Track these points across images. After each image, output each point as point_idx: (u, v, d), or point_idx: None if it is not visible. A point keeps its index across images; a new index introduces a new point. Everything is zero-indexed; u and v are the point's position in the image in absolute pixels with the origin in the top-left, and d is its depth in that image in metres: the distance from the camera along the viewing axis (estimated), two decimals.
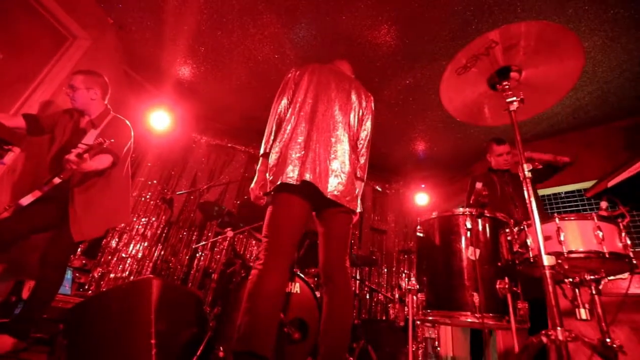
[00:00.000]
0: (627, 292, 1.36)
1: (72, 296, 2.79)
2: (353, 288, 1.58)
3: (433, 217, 1.61)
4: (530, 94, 1.46)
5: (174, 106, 4.04)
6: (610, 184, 1.59)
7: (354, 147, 1.66)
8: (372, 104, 1.86)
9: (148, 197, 3.90)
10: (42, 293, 1.91)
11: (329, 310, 1.42)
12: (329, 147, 1.54)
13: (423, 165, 5.01)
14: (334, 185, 1.47)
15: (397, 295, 4.37)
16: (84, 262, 3.18)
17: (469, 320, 1.28)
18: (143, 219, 3.77)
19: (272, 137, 1.56)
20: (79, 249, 3.26)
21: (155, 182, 4.01)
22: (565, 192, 3.95)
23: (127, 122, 2.23)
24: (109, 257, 3.47)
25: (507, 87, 1.41)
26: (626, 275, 1.38)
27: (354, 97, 1.76)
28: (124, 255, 3.55)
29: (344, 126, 1.64)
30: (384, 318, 4.29)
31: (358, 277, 4.27)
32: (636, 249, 3.15)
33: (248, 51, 3.30)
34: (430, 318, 1.47)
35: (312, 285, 2.21)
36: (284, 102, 1.64)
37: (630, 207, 1.60)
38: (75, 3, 2.77)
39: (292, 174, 1.41)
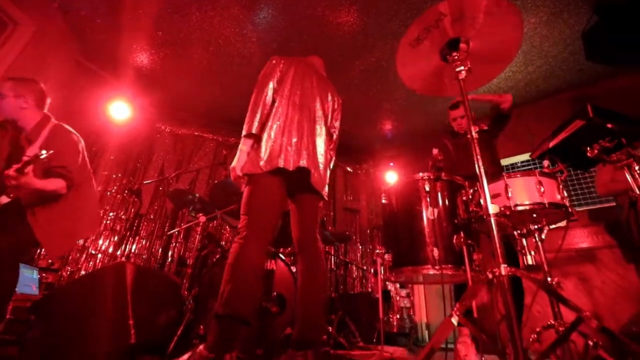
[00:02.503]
0: (562, 240, 1.53)
1: (39, 296, 2.69)
2: (324, 257, 1.70)
3: (396, 184, 1.72)
4: (478, 64, 1.57)
5: (134, 95, 3.88)
6: (551, 144, 1.76)
7: (328, 142, 1.83)
8: (341, 107, 2.02)
9: (114, 190, 3.77)
10: None
11: (302, 277, 1.54)
12: (314, 138, 1.68)
13: (391, 144, 5.17)
14: (315, 173, 1.61)
15: (372, 270, 4.58)
16: (50, 261, 3.05)
17: (431, 272, 1.41)
18: (111, 214, 3.65)
19: (257, 119, 1.58)
20: (42, 249, 3.12)
21: (120, 175, 3.87)
22: (522, 162, 4.26)
23: (72, 131, 2.01)
24: (77, 255, 3.36)
25: (456, 57, 1.51)
26: (564, 223, 1.55)
27: (329, 96, 1.91)
28: (93, 251, 3.44)
29: (324, 121, 1.79)
30: (360, 291, 4.47)
31: (333, 254, 4.41)
32: (582, 209, 3.47)
33: (208, 34, 3.22)
34: (402, 279, 1.60)
35: (289, 263, 2.28)
36: (271, 86, 1.67)
37: (568, 163, 1.78)
38: None
39: (289, 160, 1.50)
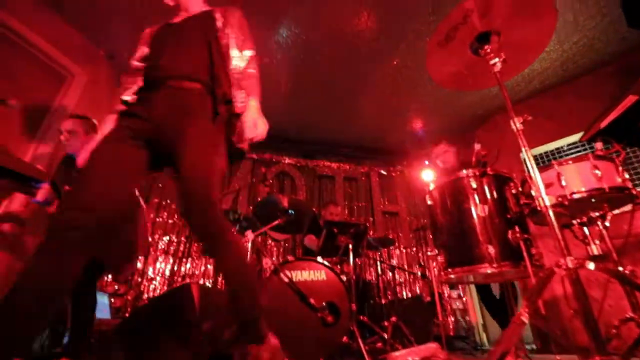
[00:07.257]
0: (630, 225, 1.44)
1: (112, 319, 2.92)
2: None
3: (440, 184, 1.70)
4: (512, 53, 1.54)
5: None
6: (603, 124, 1.67)
7: None
8: None
9: (165, 217, 4.03)
10: (79, 314, 1.94)
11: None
12: None
13: (423, 142, 5.08)
14: None
15: (419, 273, 4.48)
16: (116, 287, 3.31)
17: (488, 271, 1.37)
18: (165, 238, 3.90)
19: None
20: (109, 276, 3.39)
21: (169, 201, 4.13)
22: (568, 145, 3.99)
23: None
24: (138, 279, 3.61)
25: (489, 50, 1.49)
26: (629, 206, 1.45)
27: None
28: (151, 275, 3.68)
29: None
30: (409, 296, 4.39)
31: (378, 259, 4.37)
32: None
33: None
34: (454, 280, 1.57)
35: (337, 271, 2.31)
36: None
37: (624, 143, 1.68)
38: (68, 41, 2.88)
39: None
